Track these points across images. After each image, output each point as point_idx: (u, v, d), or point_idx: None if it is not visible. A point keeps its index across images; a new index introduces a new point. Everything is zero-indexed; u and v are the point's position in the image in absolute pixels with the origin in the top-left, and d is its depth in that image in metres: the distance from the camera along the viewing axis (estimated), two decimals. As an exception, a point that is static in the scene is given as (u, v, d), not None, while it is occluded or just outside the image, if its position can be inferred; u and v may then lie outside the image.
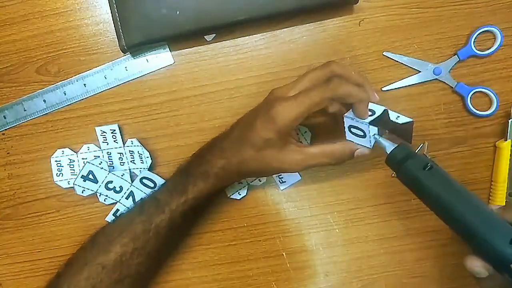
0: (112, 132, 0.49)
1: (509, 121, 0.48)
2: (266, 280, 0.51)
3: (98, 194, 0.49)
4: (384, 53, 0.49)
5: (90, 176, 0.48)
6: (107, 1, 0.47)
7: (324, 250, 0.51)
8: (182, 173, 0.45)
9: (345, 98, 0.38)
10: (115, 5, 0.46)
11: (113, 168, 0.50)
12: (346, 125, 0.41)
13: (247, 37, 0.49)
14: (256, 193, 0.51)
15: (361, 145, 0.41)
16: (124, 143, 0.50)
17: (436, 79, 0.49)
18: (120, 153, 0.49)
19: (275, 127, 0.39)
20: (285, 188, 0.50)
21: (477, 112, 0.49)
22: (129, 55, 0.49)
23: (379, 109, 0.39)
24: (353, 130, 0.40)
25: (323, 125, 0.45)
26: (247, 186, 0.50)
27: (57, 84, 0.50)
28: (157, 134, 0.50)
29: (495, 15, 0.48)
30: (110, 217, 0.49)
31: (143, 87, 0.50)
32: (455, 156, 0.50)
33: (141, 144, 0.49)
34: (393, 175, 0.38)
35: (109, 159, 0.49)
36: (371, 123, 0.39)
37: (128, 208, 0.48)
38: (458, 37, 0.49)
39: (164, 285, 0.51)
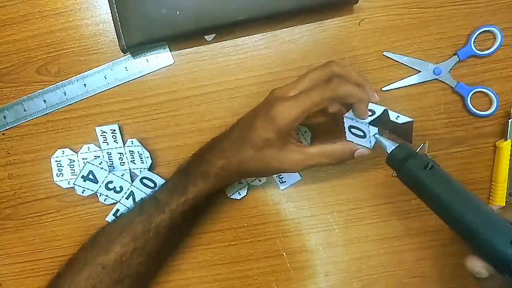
0: (112, 132, 0.49)
1: (509, 121, 0.48)
2: (266, 280, 0.51)
3: (98, 194, 0.49)
4: (384, 53, 0.49)
5: (90, 176, 0.48)
6: (107, 1, 0.47)
7: (324, 250, 0.51)
8: (182, 173, 0.45)
9: (345, 98, 0.38)
10: (115, 5, 0.46)
11: (113, 168, 0.50)
12: (346, 125, 0.41)
13: (247, 37, 0.49)
14: (256, 193, 0.51)
15: (361, 145, 0.41)
16: (124, 143, 0.50)
17: (436, 79, 0.49)
18: (120, 153, 0.49)
19: (275, 127, 0.39)
20: (285, 188, 0.50)
21: (477, 112, 0.49)
22: (129, 55, 0.49)
23: (379, 109, 0.39)
24: (353, 130, 0.40)
25: (323, 125, 0.45)
26: (247, 186, 0.50)
27: (57, 84, 0.50)
28: (157, 134, 0.50)
29: (495, 15, 0.48)
30: (110, 217, 0.49)
31: (143, 87, 0.50)
32: (455, 156, 0.50)
33: (141, 144, 0.49)
34: (393, 174, 0.38)
35: (109, 159, 0.49)
36: (371, 123, 0.39)
37: (128, 208, 0.48)
38: (458, 37, 0.49)
39: (164, 285, 0.51)
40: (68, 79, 0.49)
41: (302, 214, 0.51)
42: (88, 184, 0.48)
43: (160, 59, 0.49)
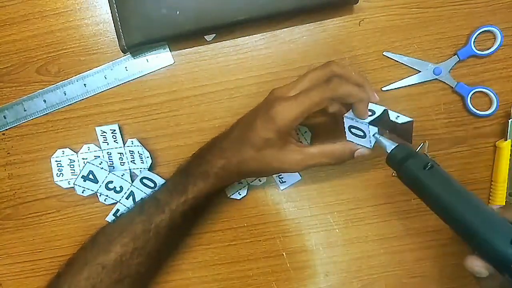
0: (112, 132, 0.49)
1: (509, 121, 0.48)
2: (266, 280, 0.51)
3: (98, 194, 0.49)
4: (384, 53, 0.49)
5: (90, 176, 0.48)
6: (107, 1, 0.47)
7: (324, 250, 0.51)
8: (182, 173, 0.45)
9: (345, 98, 0.38)
10: (115, 5, 0.46)
11: (113, 168, 0.50)
12: (346, 125, 0.41)
13: (247, 37, 0.49)
14: (256, 193, 0.51)
15: (361, 145, 0.41)
16: (124, 143, 0.50)
17: (436, 79, 0.49)
18: (120, 153, 0.49)
19: (275, 127, 0.39)
20: (285, 188, 0.50)
21: (477, 112, 0.49)
22: (129, 55, 0.49)
23: (379, 109, 0.39)
24: (353, 130, 0.40)
25: (323, 125, 0.45)
26: (247, 186, 0.50)
27: (57, 84, 0.50)
28: (157, 134, 0.50)
29: (495, 15, 0.48)
30: (110, 217, 0.49)
31: (143, 87, 0.50)
32: (455, 156, 0.50)
33: (141, 144, 0.49)
34: (393, 174, 0.38)
35: (109, 159, 0.49)
36: (371, 123, 0.39)
37: (128, 208, 0.48)
38: (458, 37, 0.49)
39: (164, 285, 0.51)
40: (68, 79, 0.49)
41: (302, 214, 0.51)
42: (88, 184, 0.48)
43: (160, 59, 0.49)
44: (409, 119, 0.38)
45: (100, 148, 0.50)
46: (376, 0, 0.49)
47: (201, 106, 0.50)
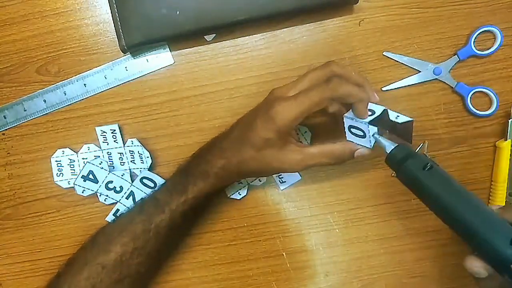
0: (112, 132, 0.49)
1: (509, 121, 0.48)
2: (266, 280, 0.51)
3: (98, 194, 0.49)
4: (384, 53, 0.49)
5: (90, 176, 0.48)
6: (107, 1, 0.47)
7: (324, 250, 0.51)
8: (182, 173, 0.45)
9: (345, 98, 0.38)
10: (115, 5, 0.46)
11: (113, 168, 0.50)
12: (346, 125, 0.41)
13: (247, 37, 0.49)
14: (256, 193, 0.51)
15: (361, 145, 0.41)
16: (124, 143, 0.50)
17: (436, 79, 0.49)
18: (120, 153, 0.49)
19: (275, 127, 0.39)
20: (285, 188, 0.50)
21: (477, 112, 0.49)
22: (129, 55, 0.49)
23: (378, 109, 0.39)
24: (353, 130, 0.40)
25: (323, 125, 0.45)
26: (247, 186, 0.50)
27: (57, 84, 0.50)
28: (157, 134, 0.50)
29: (495, 15, 0.48)
30: (110, 217, 0.49)
31: (143, 87, 0.50)
32: (455, 156, 0.50)
33: (141, 144, 0.49)
34: (392, 174, 0.38)
35: (109, 159, 0.49)
36: (371, 123, 0.39)
37: (128, 208, 0.48)
38: (458, 37, 0.49)
39: (164, 285, 0.51)
40: (68, 79, 0.49)
41: (302, 214, 0.51)
42: (88, 184, 0.48)
43: (160, 59, 0.49)
44: (409, 118, 0.38)
45: (100, 148, 0.50)
46: (376, 0, 0.49)
47: (201, 106, 0.50)
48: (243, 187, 0.50)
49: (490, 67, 0.49)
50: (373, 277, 0.51)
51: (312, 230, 0.51)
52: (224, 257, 0.51)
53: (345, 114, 0.40)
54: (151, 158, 0.49)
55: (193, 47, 0.49)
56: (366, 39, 0.49)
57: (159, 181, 0.48)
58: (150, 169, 0.50)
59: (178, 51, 0.49)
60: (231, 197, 0.50)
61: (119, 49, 0.48)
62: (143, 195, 0.48)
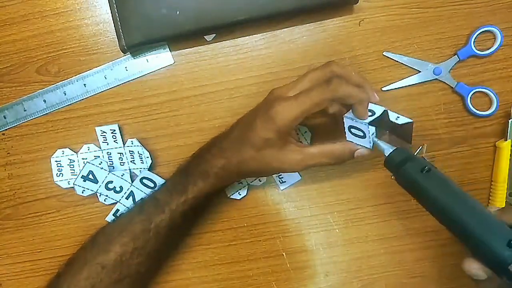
0: (112, 132, 0.49)
1: (509, 121, 0.48)
2: (266, 280, 0.51)
3: (98, 194, 0.49)
4: (384, 53, 0.49)
5: (90, 176, 0.48)
6: (107, 1, 0.47)
7: (324, 250, 0.51)
8: (182, 173, 0.45)
9: (345, 99, 0.38)
10: (115, 5, 0.46)
11: (113, 168, 0.50)
12: (346, 126, 0.41)
13: (247, 37, 0.49)
14: (256, 193, 0.51)
15: (361, 145, 0.41)
16: (124, 143, 0.50)
17: (436, 79, 0.49)
18: (120, 153, 0.49)
19: (275, 127, 0.39)
20: (285, 188, 0.50)
21: (477, 112, 0.49)
22: (129, 55, 0.49)
23: (379, 110, 0.39)
24: (353, 130, 0.40)
25: (323, 125, 0.45)
26: (247, 186, 0.50)
27: (57, 84, 0.50)
28: (157, 134, 0.50)
29: (495, 15, 0.48)
30: (110, 217, 0.49)
31: (143, 87, 0.50)
32: (455, 156, 0.50)
33: (141, 144, 0.49)
34: (392, 177, 0.38)
35: (109, 159, 0.49)
36: (371, 123, 0.39)
37: (128, 208, 0.48)
38: (458, 37, 0.49)
39: (164, 285, 0.51)
40: (68, 79, 0.49)
41: (302, 214, 0.51)
42: (88, 184, 0.48)
43: (160, 59, 0.49)
44: (409, 120, 0.38)
45: (100, 148, 0.50)
46: (376, 0, 0.49)
47: (201, 106, 0.50)
48: (243, 187, 0.50)
49: (490, 67, 0.49)
50: (373, 277, 0.51)
51: (312, 230, 0.51)
52: (224, 257, 0.51)
53: (345, 115, 0.40)
54: (151, 158, 0.49)
55: (193, 47, 0.49)
56: (366, 39, 0.49)
57: (159, 181, 0.48)
58: (150, 169, 0.50)
59: (178, 51, 0.49)
60: (231, 197, 0.50)
61: (119, 49, 0.48)
62: (143, 195, 0.48)
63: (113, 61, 0.49)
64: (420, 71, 0.49)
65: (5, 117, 0.50)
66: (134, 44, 0.47)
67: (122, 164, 0.50)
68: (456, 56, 0.48)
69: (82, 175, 0.48)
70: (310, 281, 0.51)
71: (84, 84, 0.50)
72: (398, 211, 0.50)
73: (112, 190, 0.49)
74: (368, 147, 0.40)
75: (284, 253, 0.51)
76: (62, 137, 0.50)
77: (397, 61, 0.49)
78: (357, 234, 0.51)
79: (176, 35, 0.47)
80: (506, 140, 0.48)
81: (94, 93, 0.50)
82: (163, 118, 0.50)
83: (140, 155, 0.49)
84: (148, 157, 0.49)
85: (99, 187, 0.48)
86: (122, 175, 0.49)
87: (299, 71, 0.48)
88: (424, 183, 0.35)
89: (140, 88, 0.50)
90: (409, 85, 0.49)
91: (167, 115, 0.50)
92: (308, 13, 0.48)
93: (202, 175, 0.43)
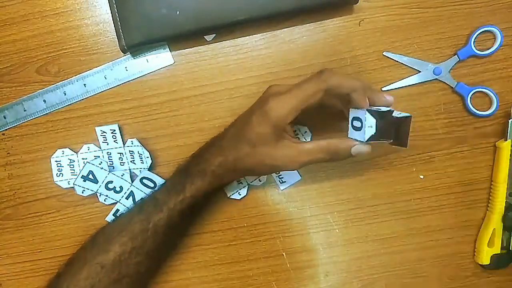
0: (112, 132, 0.49)
1: (509, 121, 0.48)
2: (266, 280, 0.51)
3: (98, 194, 0.49)
4: (384, 53, 0.49)
5: (90, 176, 0.48)
6: (107, 1, 0.47)
7: (324, 250, 0.51)
8: (181, 173, 0.45)
9: (338, 88, 0.38)
10: (115, 5, 0.46)
11: (113, 168, 0.50)
12: (350, 118, 0.40)
13: (247, 37, 0.49)
14: (256, 193, 0.51)
15: (358, 140, 0.40)
16: (124, 143, 0.50)
17: (436, 79, 0.49)
18: (120, 153, 0.49)
19: (270, 122, 0.38)
20: (285, 188, 0.50)
21: (477, 112, 0.49)
22: (129, 55, 0.49)
23: (385, 108, 0.39)
24: (354, 123, 0.39)
25: (323, 125, 0.44)
26: (247, 186, 0.50)
27: (57, 84, 0.50)
28: (157, 134, 0.50)
29: (495, 15, 0.48)
30: (110, 217, 0.49)
31: (143, 87, 0.50)
32: (455, 156, 0.50)
33: (141, 144, 0.49)
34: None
35: (109, 159, 0.49)
36: (371, 112, 0.38)
37: (128, 208, 0.48)
38: (458, 37, 0.49)
39: (164, 285, 0.51)
40: (68, 79, 0.49)
41: (302, 214, 0.51)
42: (88, 184, 0.48)
43: (160, 59, 0.49)
44: (407, 114, 0.38)
45: (100, 148, 0.50)
46: (376, 0, 0.49)
47: (201, 106, 0.50)
48: (243, 187, 0.50)
49: (490, 67, 0.49)
50: (373, 277, 0.51)
51: (312, 230, 0.51)
52: (224, 257, 0.51)
53: (351, 107, 0.40)
54: (151, 158, 0.49)
55: (193, 47, 0.49)
56: (366, 39, 0.49)
57: (159, 181, 0.48)
58: (150, 169, 0.50)
59: (178, 51, 0.49)
60: (231, 197, 0.50)
61: (119, 49, 0.48)
62: (143, 195, 0.48)
63: (113, 61, 0.49)
64: (420, 71, 0.49)
65: (5, 117, 0.50)
66: (134, 44, 0.47)
67: (122, 164, 0.50)
68: (456, 56, 0.48)
69: (82, 175, 0.48)
70: (310, 281, 0.51)
71: (84, 84, 0.50)
72: (398, 211, 0.50)
73: (112, 190, 0.49)
74: (362, 140, 0.39)
75: (284, 253, 0.51)
76: (62, 137, 0.50)
77: (397, 61, 0.49)
78: (357, 234, 0.51)
79: (176, 35, 0.47)
80: (506, 140, 0.48)
81: (94, 93, 0.50)
82: (163, 118, 0.50)
83: (140, 155, 0.49)
84: (148, 157, 0.49)
85: (99, 187, 0.48)
86: (122, 175, 0.49)
87: (299, 71, 0.48)
88: None
89: (140, 88, 0.50)
90: (409, 85, 0.49)
91: (167, 115, 0.50)
92: (308, 13, 0.48)
93: (200, 173, 0.43)
